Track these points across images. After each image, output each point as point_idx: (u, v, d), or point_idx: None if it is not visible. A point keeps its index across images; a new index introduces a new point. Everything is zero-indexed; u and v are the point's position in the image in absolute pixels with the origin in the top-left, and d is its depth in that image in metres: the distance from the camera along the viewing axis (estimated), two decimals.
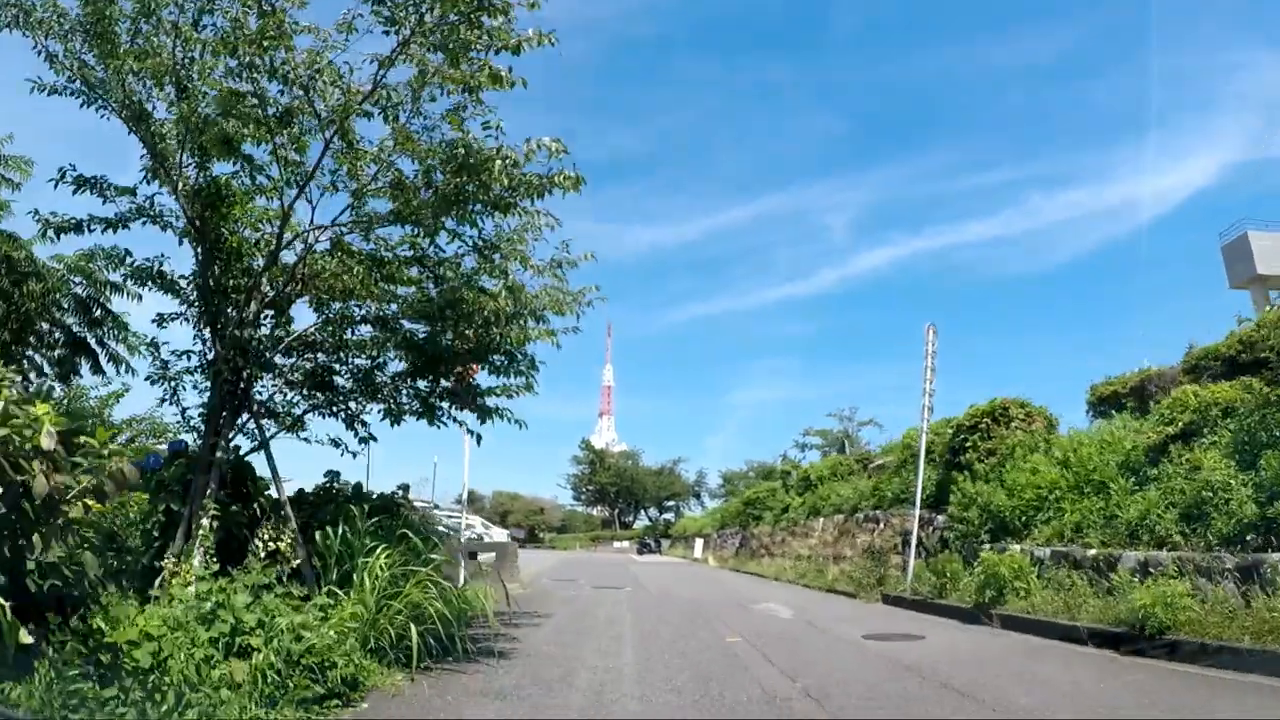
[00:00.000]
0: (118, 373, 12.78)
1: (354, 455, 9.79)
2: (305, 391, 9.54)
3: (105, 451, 4.54)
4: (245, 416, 8.94)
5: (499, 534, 45.05)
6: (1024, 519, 12.98)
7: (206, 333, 8.52)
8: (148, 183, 8.07)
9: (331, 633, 6.00)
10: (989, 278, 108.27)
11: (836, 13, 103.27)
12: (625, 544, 65.50)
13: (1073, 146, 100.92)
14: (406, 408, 9.75)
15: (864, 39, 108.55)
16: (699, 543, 39.27)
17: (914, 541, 14.96)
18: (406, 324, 9.00)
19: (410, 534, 7.57)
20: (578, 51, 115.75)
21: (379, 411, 9.81)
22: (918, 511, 15.10)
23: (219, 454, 8.15)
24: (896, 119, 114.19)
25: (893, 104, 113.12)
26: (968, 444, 15.40)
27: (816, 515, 23.07)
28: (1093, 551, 10.89)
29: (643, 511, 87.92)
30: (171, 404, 9.22)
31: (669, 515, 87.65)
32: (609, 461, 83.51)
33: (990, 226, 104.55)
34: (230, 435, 8.80)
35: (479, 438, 9.39)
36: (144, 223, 8.40)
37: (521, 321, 8.55)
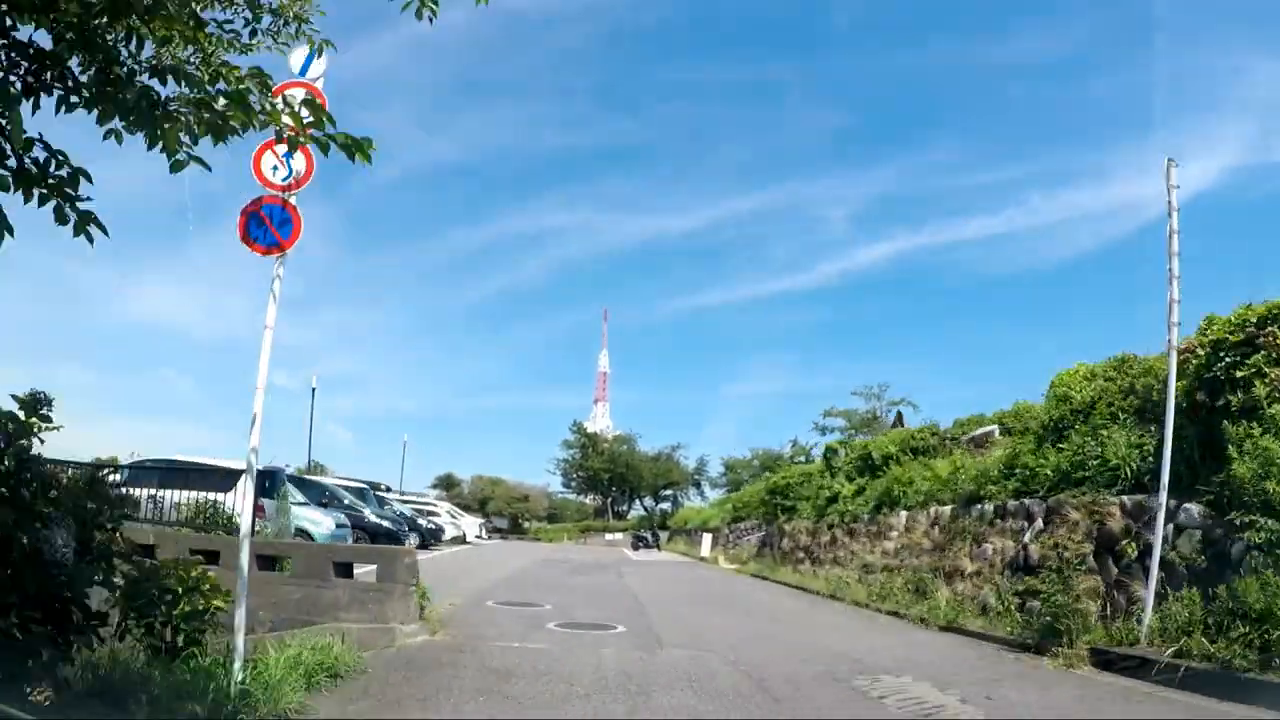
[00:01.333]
0: None
1: None
2: None
3: None
4: None
5: (469, 524, 38.01)
6: None
7: None
8: None
9: None
10: (989, 275, 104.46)
11: (838, 6, 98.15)
12: (618, 535, 58.58)
13: (1074, 145, 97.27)
14: None
15: (866, 33, 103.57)
16: (707, 539, 32.44)
17: (1156, 554, 8.02)
18: None
19: None
20: (577, 39, 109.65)
21: None
22: (1164, 499, 8.12)
23: None
24: (898, 114, 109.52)
25: (894, 99, 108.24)
26: (1239, 374, 8.45)
27: (892, 508, 16.12)
28: None
29: (638, 501, 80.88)
30: None
31: (665, 505, 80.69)
32: (602, 446, 76.37)
33: (991, 224, 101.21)
34: None
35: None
36: None
37: None
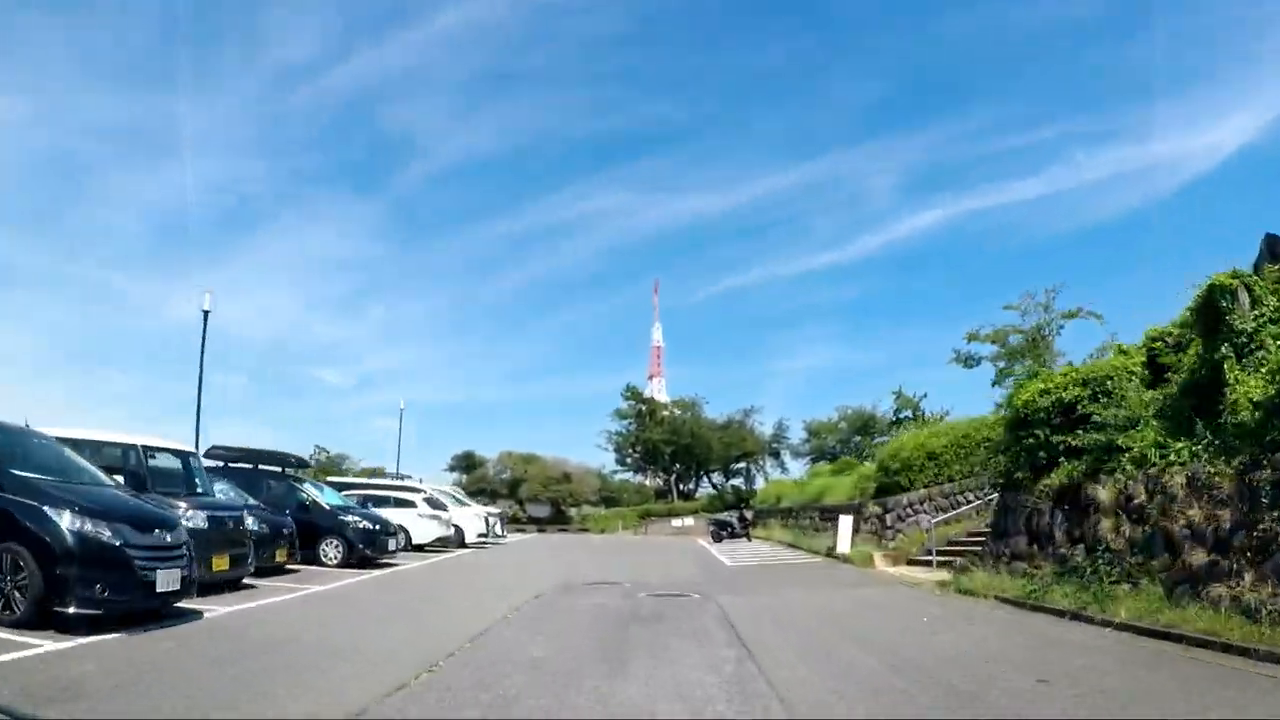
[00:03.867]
0: None
1: None
2: None
3: None
4: None
5: (469, 516, 25.61)
6: None
7: None
8: None
9: None
10: (1034, 237, 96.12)
11: None
12: (688, 520, 46.09)
13: (1116, 102, 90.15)
14: None
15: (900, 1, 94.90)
16: (845, 524, 19.54)
17: None
18: None
19: None
20: (612, 22, 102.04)
21: None
22: None
23: None
24: (937, 81, 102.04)
25: (932, 66, 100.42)
26: None
27: None
28: None
29: (705, 477, 67.94)
30: None
31: (737, 480, 67.62)
32: (661, 414, 63.69)
33: (1034, 185, 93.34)
34: None
35: None
36: None
37: None
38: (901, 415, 50.27)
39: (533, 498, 45.22)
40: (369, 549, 15.38)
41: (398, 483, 25.51)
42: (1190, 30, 73.39)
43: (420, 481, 34.65)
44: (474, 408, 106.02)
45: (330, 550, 15.20)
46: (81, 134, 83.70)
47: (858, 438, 61.54)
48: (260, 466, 16.48)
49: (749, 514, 33.29)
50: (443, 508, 22.01)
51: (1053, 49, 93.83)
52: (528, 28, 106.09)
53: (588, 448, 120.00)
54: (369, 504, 21.21)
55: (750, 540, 30.38)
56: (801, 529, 27.44)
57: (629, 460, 66.31)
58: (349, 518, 15.48)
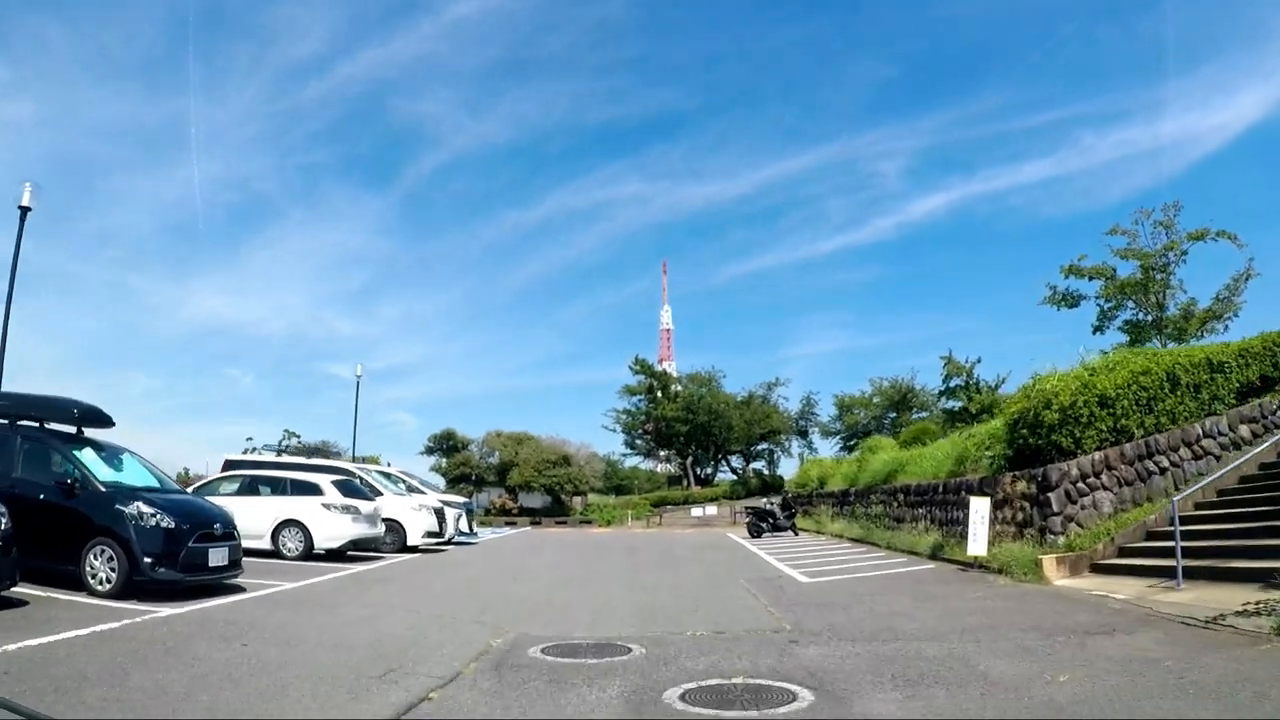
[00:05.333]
0: None
1: None
2: None
3: None
4: None
5: (413, 509, 18.48)
6: None
7: None
8: None
9: None
10: (1044, 220, 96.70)
11: None
12: (710, 509, 39.25)
13: (1123, 82, 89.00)
14: None
15: None
16: (980, 510, 12.58)
17: None
18: None
19: None
20: (614, 11, 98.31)
21: None
22: None
23: None
24: (945, 62, 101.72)
25: (941, 46, 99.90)
26: None
27: None
28: None
29: (725, 460, 60.77)
30: None
31: (759, 464, 60.48)
32: (674, 390, 56.62)
33: (1043, 167, 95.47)
34: None
35: None
36: None
37: None
38: (952, 383, 43.60)
39: (524, 484, 38.35)
40: (165, 565, 8.42)
41: (308, 461, 18.60)
42: (1198, 9, 70.74)
43: (389, 465, 27.86)
44: (479, 400, 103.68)
45: (100, 565, 8.34)
46: (92, 135, 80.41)
47: (893, 414, 54.76)
48: (23, 422, 9.67)
49: (792, 500, 26.24)
50: (367, 495, 15.08)
51: (1061, 31, 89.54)
52: (537, 16, 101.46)
53: (595, 431, 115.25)
54: (260, 488, 14.49)
55: (797, 534, 23.44)
56: (872, 520, 20.46)
57: (639, 443, 59.37)
58: (132, 507, 8.55)
